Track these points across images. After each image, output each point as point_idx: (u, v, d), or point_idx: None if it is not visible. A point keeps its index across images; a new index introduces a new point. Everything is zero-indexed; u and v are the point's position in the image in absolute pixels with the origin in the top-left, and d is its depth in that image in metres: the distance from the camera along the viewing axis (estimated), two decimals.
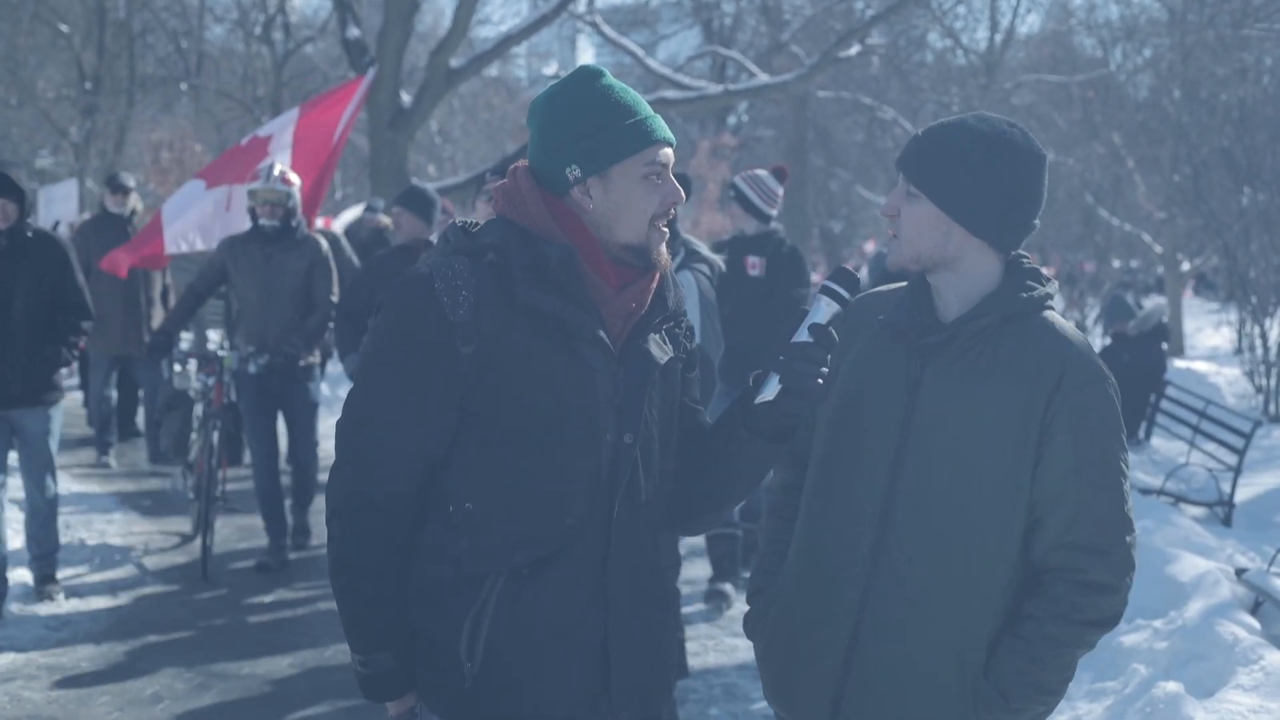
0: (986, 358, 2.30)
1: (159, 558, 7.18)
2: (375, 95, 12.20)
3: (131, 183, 9.58)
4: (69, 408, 12.33)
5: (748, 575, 5.15)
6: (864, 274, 13.60)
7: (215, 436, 6.88)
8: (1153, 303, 18.25)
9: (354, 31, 13.13)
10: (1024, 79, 23.40)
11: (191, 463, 7.47)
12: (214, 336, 13.24)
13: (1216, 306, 27.05)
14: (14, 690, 5.11)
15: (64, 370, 6.13)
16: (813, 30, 23.18)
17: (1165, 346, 12.14)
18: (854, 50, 14.67)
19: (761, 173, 6.58)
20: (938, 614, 2.29)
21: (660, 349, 2.28)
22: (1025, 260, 2.38)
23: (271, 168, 6.87)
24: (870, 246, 27.03)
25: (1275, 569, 5.91)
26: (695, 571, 6.76)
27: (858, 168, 28.18)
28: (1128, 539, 2.29)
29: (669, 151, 2.23)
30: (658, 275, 2.27)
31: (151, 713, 4.95)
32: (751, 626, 2.56)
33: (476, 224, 2.28)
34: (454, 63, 13.16)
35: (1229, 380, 15.96)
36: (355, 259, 9.02)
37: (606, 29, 16.22)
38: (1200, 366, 16.62)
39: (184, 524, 7.76)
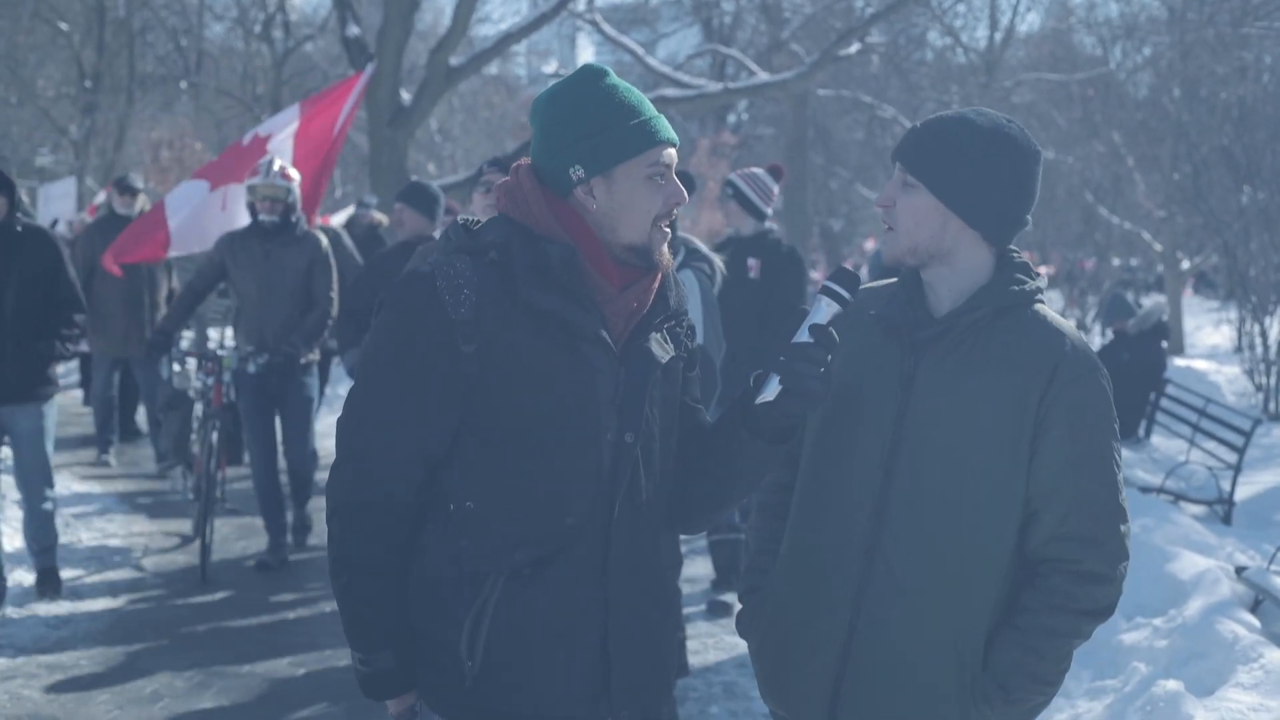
0: (980, 351, 2.30)
1: (159, 557, 7.18)
2: (375, 93, 12.20)
3: (140, 184, 9.57)
4: (71, 407, 12.38)
5: None
6: (864, 272, 13.60)
7: (214, 437, 6.85)
8: (1152, 301, 18.25)
9: (354, 29, 13.13)
10: (1024, 77, 23.40)
11: (191, 463, 7.46)
12: (215, 335, 13.23)
13: (1216, 305, 27.07)
14: (14, 689, 5.11)
15: (60, 368, 6.09)
16: (812, 28, 23.18)
17: (1165, 345, 12.13)
18: (854, 48, 14.66)
19: (758, 171, 6.59)
20: (934, 608, 2.29)
21: (661, 348, 2.28)
22: (1015, 254, 2.39)
23: (271, 163, 6.81)
24: (870, 244, 27.07)
25: (1275, 567, 5.92)
26: (696, 570, 6.76)
27: (858, 166, 28.18)
28: (1122, 529, 2.31)
29: (672, 152, 2.23)
30: (660, 275, 2.27)
31: (151, 711, 4.95)
32: (745, 625, 2.56)
33: (478, 221, 2.28)
34: (454, 61, 13.16)
35: (1229, 378, 15.96)
36: (357, 254, 9.01)
37: (606, 27, 16.22)
38: (1200, 365, 16.62)
39: (184, 524, 7.75)
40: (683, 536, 5.26)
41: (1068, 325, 2.36)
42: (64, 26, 25.94)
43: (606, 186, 2.19)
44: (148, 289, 9.21)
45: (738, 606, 2.64)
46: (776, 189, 6.53)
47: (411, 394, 2.17)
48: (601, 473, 2.20)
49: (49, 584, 6.23)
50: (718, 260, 5.42)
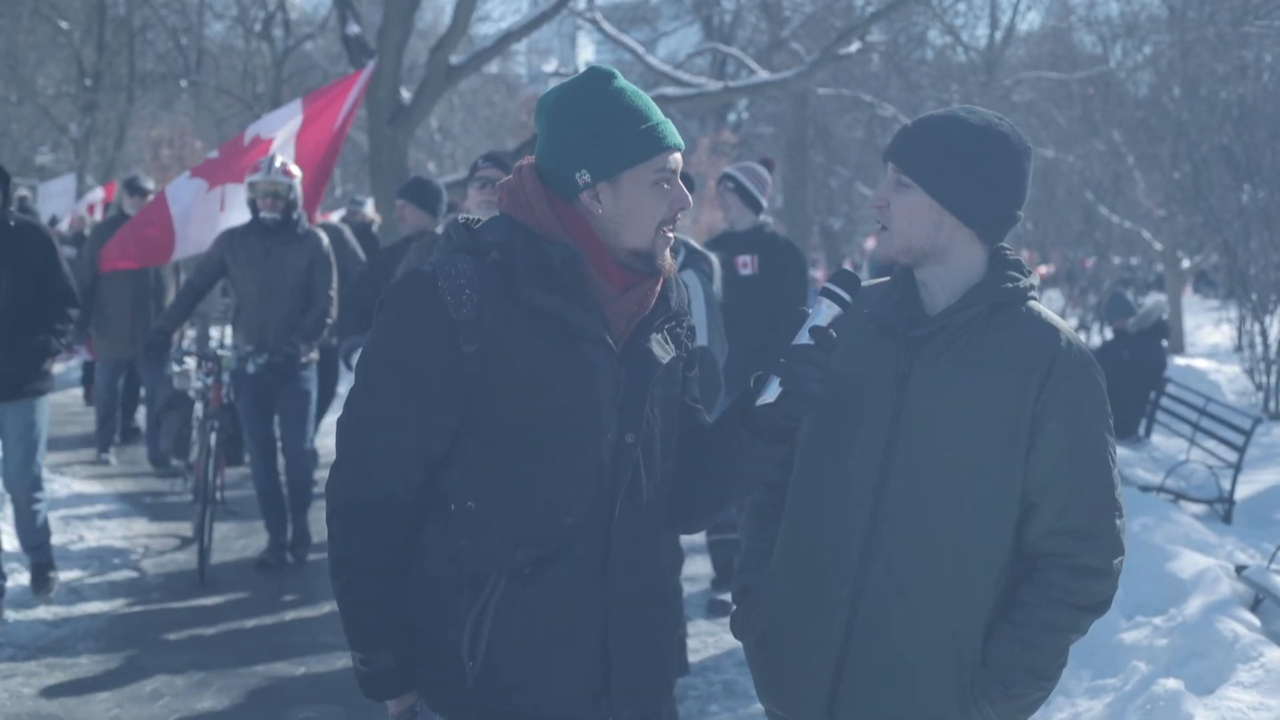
0: (975, 348, 2.31)
1: (159, 557, 7.18)
2: (375, 92, 12.18)
3: (150, 184, 9.56)
4: (71, 407, 12.38)
5: None
6: (865, 271, 13.59)
7: (213, 438, 6.80)
8: (1153, 300, 18.24)
9: (354, 28, 13.11)
10: (1024, 76, 23.40)
11: (192, 464, 7.43)
12: (215, 334, 13.24)
13: (1216, 304, 27.07)
14: (14, 688, 5.11)
15: (60, 367, 6.06)
16: (813, 27, 23.17)
17: (1165, 344, 12.13)
18: (854, 47, 14.65)
19: (752, 164, 6.61)
20: (932, 607, 2.30)
21: (662, 349, 2.28)
22: (1007, 252, 2.40)
23: (273, 159, 6.73)
24: (871, 243, 27.04)
25: (1275, 566, 5.92)
26: (696, 568, 6.76)
27: (858, 165, 28.17)
28: (1118, 523, 2.32)
29: (678, 157, 2.23)
30: (661, 278, 2.27)
31: (151, 710, 4.95)
32: (740, 626, 2.56)
33: (478, 220, 2.27)
34: (454, 59, 13.14)
35: (1229, 377, 15.97)
36: (360, 251, 9.01)
37: (607, 26, 16.19)
38: (1200, 364, 16.62)
39: (184, 524, 7.74)
40: (683, 536, 5.27)
41: (1062, 321, 2.37)
42: (64, 25, 25.93)
43: (613, 192, 2.19)
44: (155, 290, 9.20)
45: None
46: (770, 181, 6.56)
47: (412, 394, 2.17)
48: (602, 473, 2.20)
49: (43, 581, 6.16)
50: (714, 258, 5.40)
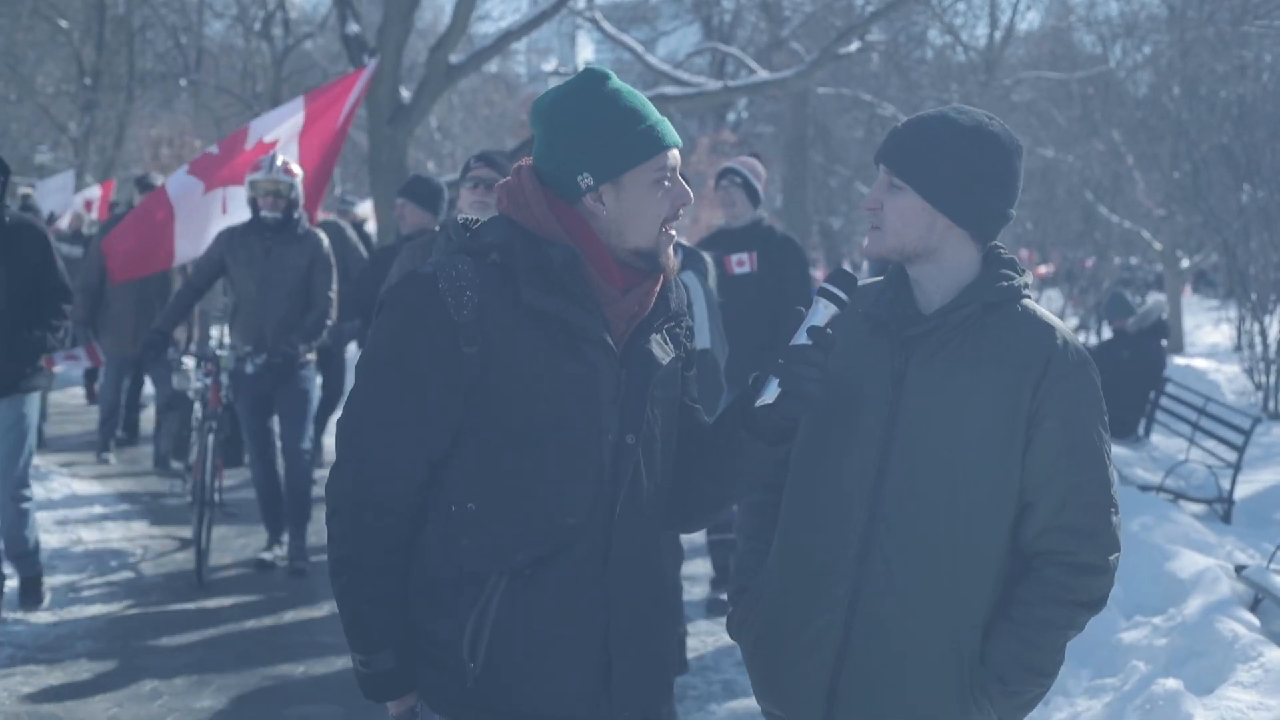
0: (970, 347, 2.32)
1: (159, 557, 7.18)
2: (375, 91, 12.17)
3: (160, 182, 9.53)
4: (71, 406, 12.37)
5: None
6: (864, 271, 13.60)
7: (211, 440, 6.76)
8: (1152, 299, 18.23)
9: (354, 27, 13.11)
10: (1024, 76, 23.40)
11: (191, 465, 7.41)
12: (215, 334, 13.23)
13: (1216, 303, 27.06)
14: (13, 688, 5.11)
15: (59, 367, 6.00)
16: (812, 26, 23.16)
17: (1165, 343, 12.13)
18: (854, 47, 14.64)
19: (747, 158, 6.65)
20: (930, 604, 2.30)
21: (662, 349, 2.28)
22: (1001, 250, 2.40)
23: (274, 158, 6.68)
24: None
25: (1275, 566, 5.92)
26: (696, 567, 6.76)
27: (857, 164, 28.14)
28: (1114, 519, 2.33)
29: (677, 154, 2.24)
30: (662, 278, 2.27)
31: (149, 709, 4.95)
32: (736, 626, 2.56)
33: (476, 221, 2.27)
34: (454, 59, 13.14)
35: (1228, 377, 15.97)
36: (362, 247, 8.99)
37: (606, 25, 16.19)
38: (1200, 363, 16.63)
39: (184, 526, 7.71)
40: (683, 535, 5.27)
41: (1056, 320, 2.38)
42: (64, 24, 25.93)
43: (615, 193, 2.19)
44: (160, 289, 9.18)
45: None
46: (764, 173, 6.61)
47: (412, 395, 2.17)
48: (603, 474, 2.20)
49: (31, 594, 6.02)
50: (708, 258, 5.40)
